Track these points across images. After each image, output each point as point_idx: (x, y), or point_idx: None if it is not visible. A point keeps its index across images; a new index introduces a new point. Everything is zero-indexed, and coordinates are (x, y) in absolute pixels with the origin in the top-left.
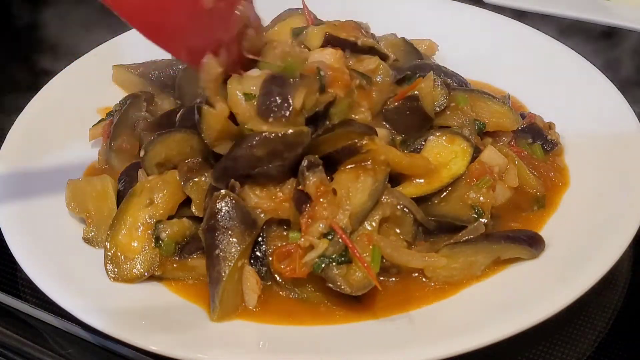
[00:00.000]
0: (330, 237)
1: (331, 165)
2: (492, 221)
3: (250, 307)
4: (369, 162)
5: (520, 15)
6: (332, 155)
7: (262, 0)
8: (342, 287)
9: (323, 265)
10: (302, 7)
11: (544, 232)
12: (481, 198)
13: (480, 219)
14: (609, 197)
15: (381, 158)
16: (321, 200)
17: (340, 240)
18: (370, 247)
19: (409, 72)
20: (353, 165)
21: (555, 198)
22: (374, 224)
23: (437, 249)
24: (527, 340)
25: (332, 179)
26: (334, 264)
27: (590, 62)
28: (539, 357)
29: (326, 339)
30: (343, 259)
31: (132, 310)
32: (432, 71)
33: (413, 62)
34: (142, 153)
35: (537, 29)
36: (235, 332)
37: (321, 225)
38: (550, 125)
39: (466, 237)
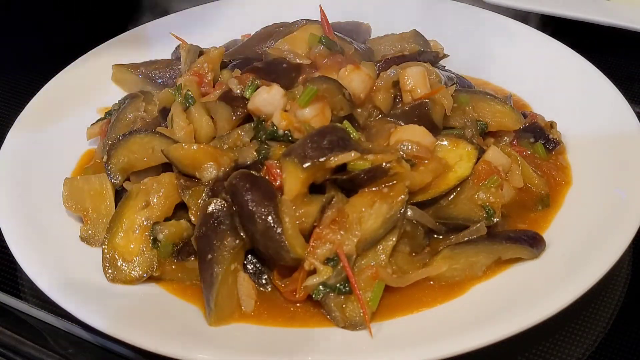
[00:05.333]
0: (333, 264)
1: (355, 186)
2: (503, 220)
3: (249, 312)
4: (386, 187)
5: (520, 15)
6: (358, 176)
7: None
8: (337, 319)
9: (323, 293)
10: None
11: (548, 232)
12: (491, 198)
13: (492, 219)
14: (609, 197)
15: (405, 183)
16: (331, 224)
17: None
18: (375, 281)
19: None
20: (373, 189)
21: (559, 197)
22: (387, 250)
23: (439, 249)
24: (527, 340)
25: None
26: (334, 293)
27: (590, 62)
28: (539, 357)
29: (328, 341)
30: (344, 289)
31: (131, 310)
32: (454, 85)
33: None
34: (104, 158)
35: (537, 29)
36: (236, 333)
37: (327, 246)
38: (552, 124)
39: (467, 238)
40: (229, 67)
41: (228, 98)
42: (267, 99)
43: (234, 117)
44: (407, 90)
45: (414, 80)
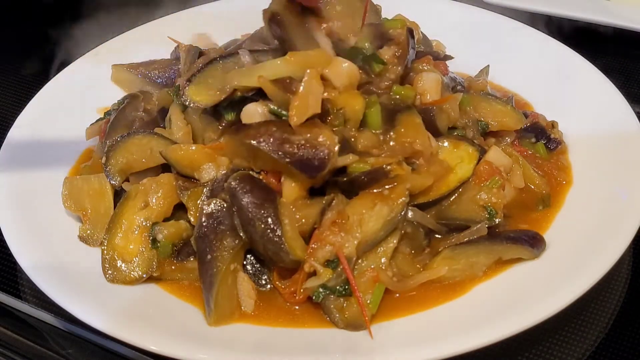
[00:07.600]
0: (333, 266)
1: (355, 188)
2: (503, 220)
3: (249, 312)
4: (386, 190)
5: (520, 15)
6: (359, 178)
7: None
8: (337, 321)
9: (322, 295)
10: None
11: (549, 232)
12: (493, 198)
13: (494, 219)
14: (610, 197)
15: (406, 185)
16: (331, 226)
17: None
18: (375, 284)
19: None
20: (374, 191)
21: (560, 197)
22: (387, 253)
23: (439, 250)
24: (527, 340)
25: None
26: (334, 295)
27: (591, 62)
28: (539, 357)
29: (328, 341)
30: (344, 291)
31: (132, 311)
32: (461, 93)
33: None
34: (103, 159)
35: (538, 29)
36: (236, 333)
37: (327, 248)
38: (553, 124)
39: (468, 238)
40: None
41: (213, 108)
42: (258, 111)
43: (220, 127)
44: (417, 93)
45: (428, 85)
